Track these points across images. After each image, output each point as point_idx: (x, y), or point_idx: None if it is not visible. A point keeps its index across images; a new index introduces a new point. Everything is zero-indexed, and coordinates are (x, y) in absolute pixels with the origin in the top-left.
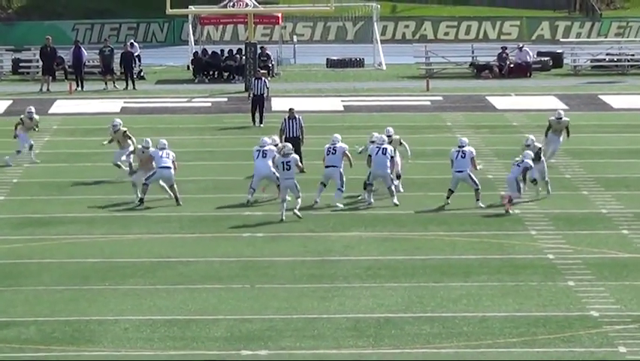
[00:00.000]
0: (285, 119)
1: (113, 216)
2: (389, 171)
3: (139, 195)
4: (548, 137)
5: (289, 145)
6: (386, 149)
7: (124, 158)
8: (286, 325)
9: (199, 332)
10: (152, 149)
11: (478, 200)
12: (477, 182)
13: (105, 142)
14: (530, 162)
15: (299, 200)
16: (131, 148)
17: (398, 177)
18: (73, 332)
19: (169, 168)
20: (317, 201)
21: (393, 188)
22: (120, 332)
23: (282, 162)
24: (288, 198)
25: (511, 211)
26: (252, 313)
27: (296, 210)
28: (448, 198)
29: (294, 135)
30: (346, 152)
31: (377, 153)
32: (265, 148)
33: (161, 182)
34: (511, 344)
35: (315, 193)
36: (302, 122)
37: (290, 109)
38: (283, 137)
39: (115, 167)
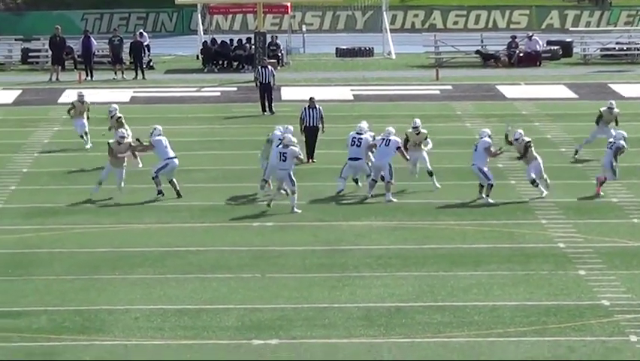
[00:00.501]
0: (304, 108)
1: (122, 205)
2: (388, 163)
3: (159, 188)
4: (599, 126)
5: (290, 136)
6: (390, 140)
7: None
8: (297, 314)
9: (210, 321)
10: (156, 137)
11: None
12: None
13: (104, 133)
14: (623, 142)
15: (294, 195)
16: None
17: (430, 173)
18: (83, 322)
19: (176, 157)
20: (371, 195)
21: (390, 183)
22: (130, 322)
23: (280, 153)
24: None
25: (601, 193)
26: (262, 302)
27: (295, 208)
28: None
29: (314, 125)
30: (370, 143)
31: (381, 144)
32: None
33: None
34: (522, 333)
35: (368, 190)
36: (322, 112)
37: (310, 98)
38: (303, 126)
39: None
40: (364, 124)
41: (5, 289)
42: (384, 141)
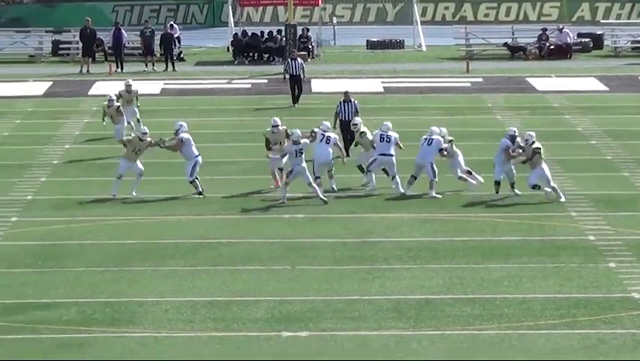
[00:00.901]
0: (340, 102)
1: (153, 197)
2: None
3: (198, 190)
4: None
5: (298, 132)
6: (432, 140)
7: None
8: (327, 306)
9: (239, 313)
10: (184, 134)
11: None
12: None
13: (104, 122)
14: None
15: (319, 185)
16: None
17: (469, 173)
18: (113, 313)
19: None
20: (406, 192)
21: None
22: (161, 314)
23: (295, 150)
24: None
25: None
26: (292, 294)
27: (321, 195)
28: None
29: (350, 119)
30: (398, 141)
31: (423, 143)
32: (329, 134)
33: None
34: (552, 326)
35: (406, 187)
36: (357, 106)
37: (345, 92)
38: (338, 120)
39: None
40: (389, 124)
41: (35, 280)
42: (427, 141)
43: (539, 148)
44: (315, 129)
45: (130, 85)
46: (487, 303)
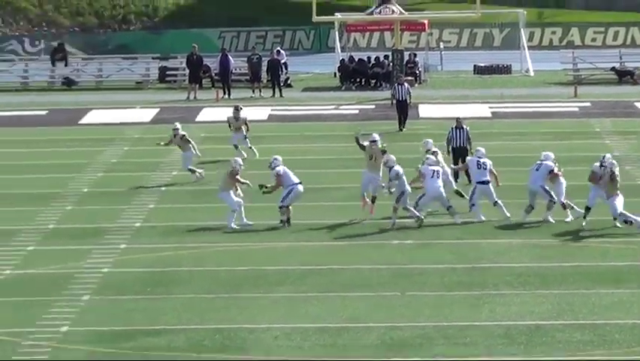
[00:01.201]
0: (452, 129)
1: (262, 224)
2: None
3: (283, 218)
4: None
5: (392, 157)
6: (541, 164)
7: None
8: (437, 332)
9: (350, 339)
10: (279, 168)
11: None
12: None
13: (162, 143)
14: None
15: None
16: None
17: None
18: (223, 340)
19: (300, 183)
20: (524, 219)
21: (556, 203)
22: (270, 340)
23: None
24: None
25: None
26: (403, 320)
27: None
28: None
29: (461, 145)
30: (492, 168)
31: (532, 169)
32: (438, 169)
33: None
34: None
35: (523, 215)
36: (469, 133)
37: (457, 118)
38: (450, 146)
39: (189, 172)
40: (483, 150)
41: (144, 307)
42: (536, 166)
43: (616, 175)
44: (421, 168)
45: (238, 109)
46: (598, 329)
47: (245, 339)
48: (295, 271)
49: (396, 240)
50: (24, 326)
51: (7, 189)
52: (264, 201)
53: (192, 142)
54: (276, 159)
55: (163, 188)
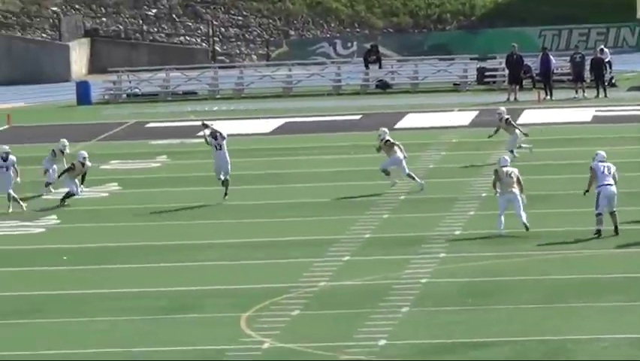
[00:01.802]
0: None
1: (583, 230)
2: None
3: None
4: None
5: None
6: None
7: None
8: None
9: None
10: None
11: None
12: None
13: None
14: None
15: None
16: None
17: None
18: (547, 351)
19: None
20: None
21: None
22: (598, 351)
23: None
24: None
25: None
26: None
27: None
28: None
29: None
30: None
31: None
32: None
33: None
34: None
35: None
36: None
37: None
38: None
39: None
40: (603, 152)
41: (465, 319)
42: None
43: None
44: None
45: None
46: None
47: (570, 351)
48: (619, 279)
49: None
50: (340, 340)
51: (324, 197)
52: (581, 206)
53: (517, 126)
54: (598, 153)
55: (483, 194)
